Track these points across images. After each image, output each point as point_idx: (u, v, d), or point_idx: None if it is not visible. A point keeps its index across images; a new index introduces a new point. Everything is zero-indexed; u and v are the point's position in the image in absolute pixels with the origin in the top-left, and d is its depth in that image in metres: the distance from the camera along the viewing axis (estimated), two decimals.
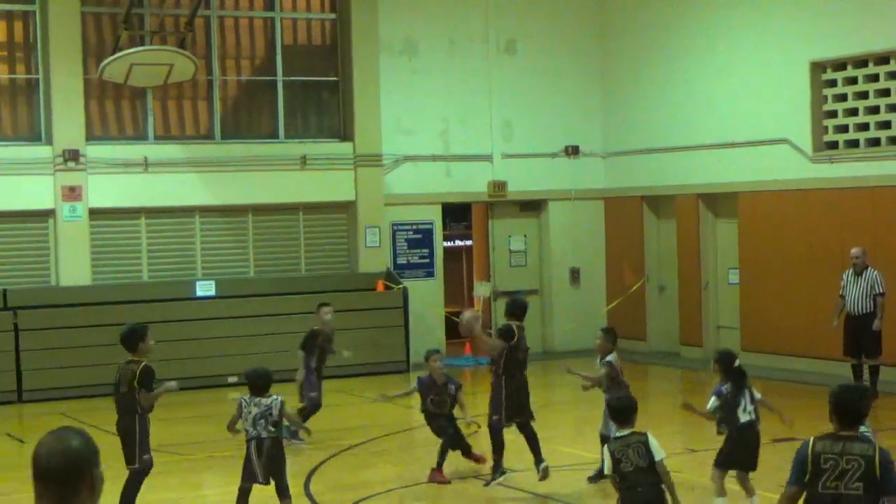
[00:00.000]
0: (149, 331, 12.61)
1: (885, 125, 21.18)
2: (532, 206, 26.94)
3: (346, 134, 25.14)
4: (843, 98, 21.91)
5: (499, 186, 26.15)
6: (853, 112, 21.74)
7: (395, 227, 25.43)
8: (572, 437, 17.65)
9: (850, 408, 7.64)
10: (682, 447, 16.21)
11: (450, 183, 25.88)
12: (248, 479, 12.14)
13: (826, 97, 22.17)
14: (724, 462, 12.33)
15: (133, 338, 12.43)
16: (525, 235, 27.03)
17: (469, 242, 29.79)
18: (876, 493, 7.45)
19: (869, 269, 19.60)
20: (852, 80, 21.75)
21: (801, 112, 22.29)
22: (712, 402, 12.00)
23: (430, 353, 15.15)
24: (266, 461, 11.97)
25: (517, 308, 14.62)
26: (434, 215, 25.89)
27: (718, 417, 12.24)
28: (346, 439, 17.02)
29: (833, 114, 22.08)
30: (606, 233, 27.05)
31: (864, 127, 21.57)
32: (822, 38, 21.91)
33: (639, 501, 9.73)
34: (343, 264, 25.23)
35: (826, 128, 22.17)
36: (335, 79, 25.32)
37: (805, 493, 7.61)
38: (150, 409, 12.44)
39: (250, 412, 11.99)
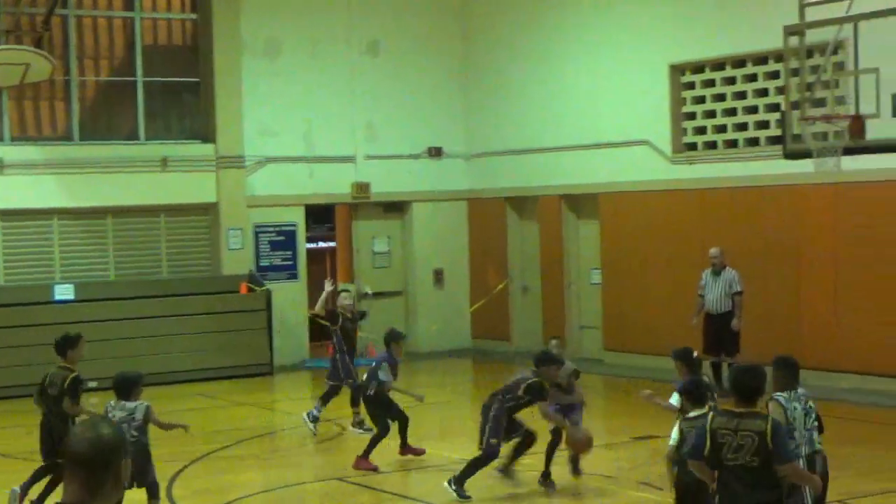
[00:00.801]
0: (81, 340, 12.73)
1: (742, 127, 21.57)
2: (395, 208, 26.92)
3: (207, 135, 24.87)
4: (701, 100, 22.27)
5: (362, 188, 26.08)
6: (711, 114, 22.11)
7: (257, 229, 25.22)
8: (437, 437, 17.65)
9: (745, 387, 8.23)
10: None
11: (313, 184, 25.74)
12: None
13: (685, 99, 22.52)
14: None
15: (64, 345, 12.60)
16: (388, 237, 27.00)
17: (332, 244, 29.68)
18: (771, 465, 8.07)
19: (727, 268, 19.93)
20: (710, 83, 22.12)
21: (660, 114, 22.60)
22: (675, 398, 11.57)
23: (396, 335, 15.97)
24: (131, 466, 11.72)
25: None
26: (297, 217, 25.73)
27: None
28: (210, 443, 16.82)
29: (692, 116, 22.44)
30: (470, 234, 27.15)
31: (721, 129, 21.94)
32: (681, 42, 22.24)
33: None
34: (205, 267, 24.96)
35: (685, 129, 22.52)
36: (196, 80, 25.02)
37: (716, 468, 8.23)
38: (75, 415, 12.45)
39: (114, 416, 11.68)
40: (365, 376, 15.73)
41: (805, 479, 8.63)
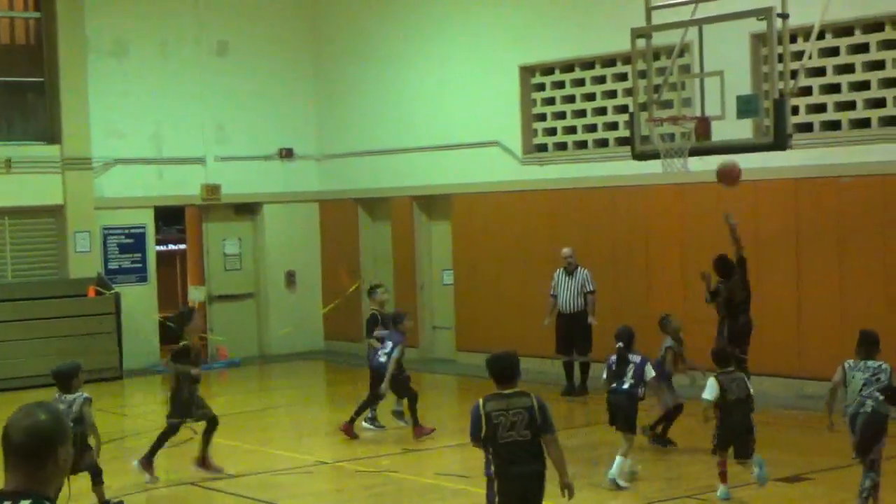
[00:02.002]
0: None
1: (592, 128, 21.82)
2: (246, 209, 26.71)
3: (53, 136, 24.39)
4: (551, 102, 22.47)
5: (212, 189, 25.82)
6: (561, 115, 22.32)
7: (106, 232, 24.81)
8: (290, 440, 17.56)
9: (504, 371, 9.27)
10: (399, 447, 16.32)
11: (162, 186, 25.41)
12: None
13: (535, 101, 22.71)
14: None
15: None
16: (240, 239, 26.78)
17: (183, 246, 29.36)
18: (539, 437, 9.11)
19: (580, 268, 20.15)
20: (560, 85, 22.33)
21: (511, 115, 22.76)
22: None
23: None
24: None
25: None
26: (146, 219, 25.37)
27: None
28: None
29: (542, 117, 22.63)
30: (322, 235, 27.06)
31: (571, 130, 22.17)
32: (531, 44, 22.42)
33: (735, 425, 12.56)
34: (52, 270, 24.50)
35: (535, 130, 22.71)
36: (41, 80, 24.53)
37: (490, 446, 9.11)
38: None
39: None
40: (388, 362, 16.76)
41: (558, 451, 9.28)
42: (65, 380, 12.43)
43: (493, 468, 9.20)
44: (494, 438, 9.07)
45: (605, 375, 14.14)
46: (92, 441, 13.25)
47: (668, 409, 15.34)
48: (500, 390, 9.23)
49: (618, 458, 13.46)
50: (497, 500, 9.18)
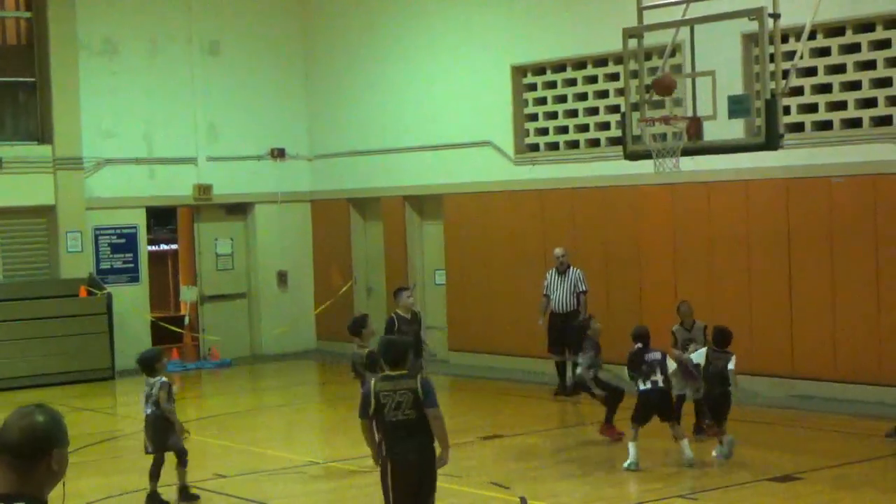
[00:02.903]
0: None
1: (584, 128, 21.82)
2: (238, 209, 26.69)
3: (44, 136, 24.36)
4: (543, 102, 22.47)
5: (204, 189, 25.80)
6: (553, 115, 22.32)
7: (97, 232, 24.78)
8: (282, 440, 17.56)
9: (398, 355, 9.90)
10: None
11: (154, 186, 25.38)
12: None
13: (527, 101, 22.71)
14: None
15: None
16: (232, 239, 26.75)
17: (175, 246, 29.35)
18: (424, 416, 9.68)
19: (571, 268, 20.14)
20: (551, 85, 22.34)
21: (503, 115, 22.76)
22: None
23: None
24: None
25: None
26: (138, 219, 25.34)
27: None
28: None
29: (534, 117, 22.63)
30: (314, 235, 27.05)
31: (563, 130, 22.17)
32: (523, 44, 22.42)
33: (716, 396, 14.37)
34: (43, 270, 24.47)
35: (527, 130, 22.71)
36: (32, 80, 24.49)
37: (380, 424, 9.76)
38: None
39: (145, 392, 13.33)
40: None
41: (440, 426, 9.82)
42: (148, 364, 13.34)
43: (384, 448, 9.81)
44: (383, 417, 9.72)
45: (628, 374, 14.81)
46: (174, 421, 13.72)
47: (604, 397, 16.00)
48: (390, 372, 9.88)
49: (683, 443, 14.19)
50: (391, 483, 9.77)
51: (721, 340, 14.56)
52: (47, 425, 4.49)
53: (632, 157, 16.64)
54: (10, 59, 24.63)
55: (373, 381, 9.89)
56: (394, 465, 9.75)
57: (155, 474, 13.31)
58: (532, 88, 22.63)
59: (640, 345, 14.58)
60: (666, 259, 20.33)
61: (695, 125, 15.59)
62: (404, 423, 9.68)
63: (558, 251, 20.22)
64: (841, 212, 18.10)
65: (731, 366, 14.26)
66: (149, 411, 13.23)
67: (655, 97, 16.65)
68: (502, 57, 22.70)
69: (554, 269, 20.20)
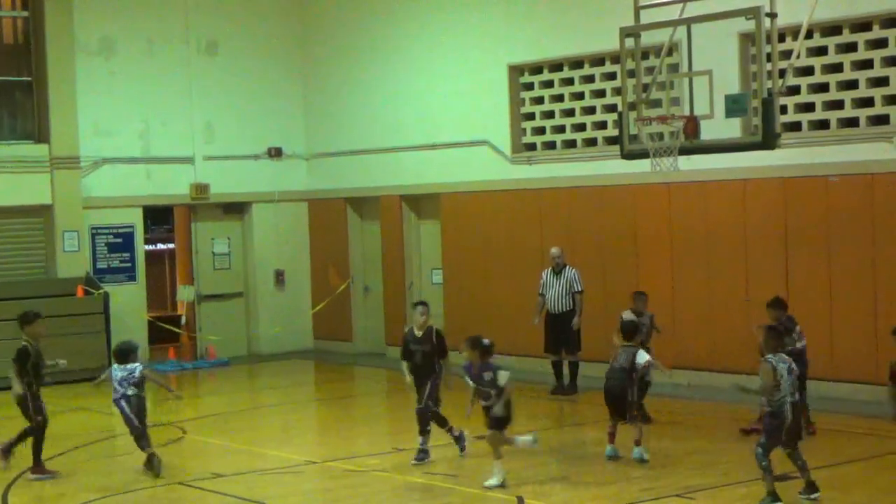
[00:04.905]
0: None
1: (580, 127, 21.83)
2: (235, 209, 26.67)
3: (40, 136, 24.34)
4: (540, 101, 22.48)
5: (201, 189, 25.79)
6: (550, 114, 22.32)
7: (94, 231, 24.77)
8: (279, 440, 17.53)
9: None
10: (389, 447, 16.33)
11: (151, 185, 25.37)
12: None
13: (524, 100, 22.71)
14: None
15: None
16: (229, 238, 26.75)
17: (172, 245, 29.34)
18: None
19: (567, 267, 20.14)
20: (548, 84, 22.34)
21: (500, 114, 22.76)
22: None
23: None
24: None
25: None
26: (135, 218, 25.33)
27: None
28: (47, 449, 16.43)
29: (531, 116, 22.64)
30: (311, 234, 27.04)
31: (560, 129, 22.18)
32: (520, 43, 22.43)
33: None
34: (40, 270, 24.45)
35: (524, 129, 22.71)
36: (28, 79, 24.48)
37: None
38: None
39: (117, 375, 14.79)
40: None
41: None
42: (128, 354, 14.80)
43: None
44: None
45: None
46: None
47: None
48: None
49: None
50: None
51: (627, 333, 14.79)
52: None
53: (629, 156, 16.63)
54: (7, 58, 24.61)
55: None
56: None
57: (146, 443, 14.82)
58: (529, 88, 22.63)
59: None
60: (663, 258, 20.33)
61: (692, 124, 15.58)
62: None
63: (554, 251, 20.21)
64: (838, 211, 18.10)
65: (640, 360, 14.44)
66: (130, 392, 14.65)
67: (653, 96, 16.66)
68: (499, 56, 22.70)
69: (550, 269, 20.19)
